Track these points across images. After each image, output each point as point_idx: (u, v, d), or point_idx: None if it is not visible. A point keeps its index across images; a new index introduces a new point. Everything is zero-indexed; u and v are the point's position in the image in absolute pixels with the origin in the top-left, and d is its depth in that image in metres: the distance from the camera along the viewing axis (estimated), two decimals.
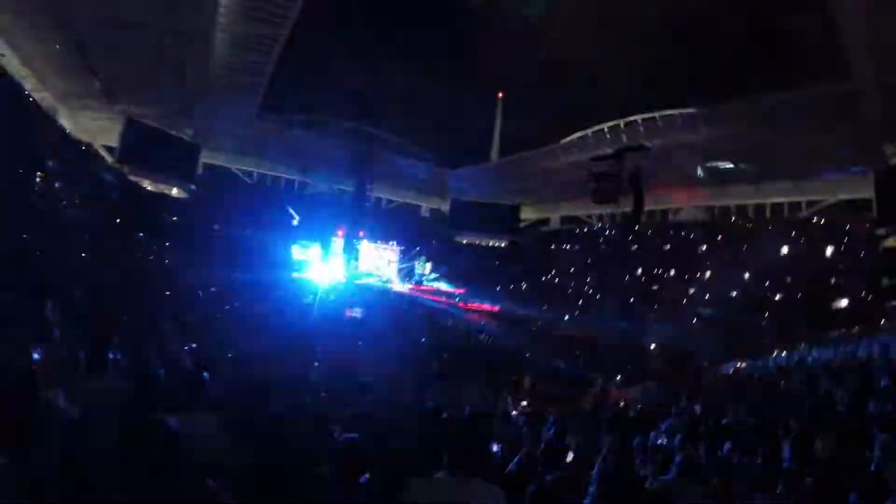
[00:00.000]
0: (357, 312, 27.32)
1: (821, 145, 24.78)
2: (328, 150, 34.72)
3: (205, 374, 4.47)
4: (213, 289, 22.03)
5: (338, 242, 32.40)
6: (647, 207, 27.78)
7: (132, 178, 29.75)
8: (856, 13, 18.59)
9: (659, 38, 31.31)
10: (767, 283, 28.92)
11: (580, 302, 33.18)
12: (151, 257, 22.96)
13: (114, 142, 29.42)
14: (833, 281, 27.14)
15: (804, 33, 24.92)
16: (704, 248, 32.85)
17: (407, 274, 37.97)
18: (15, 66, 23.16)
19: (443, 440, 3.42)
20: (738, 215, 32.77)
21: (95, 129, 29.55)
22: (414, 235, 38.55)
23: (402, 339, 22.94)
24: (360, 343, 18.54)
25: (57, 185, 21.24)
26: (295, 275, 30.44)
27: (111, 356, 5.07)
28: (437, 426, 5.22)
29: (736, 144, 27.01)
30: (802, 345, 19.17)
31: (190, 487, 2.80)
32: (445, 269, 37.29)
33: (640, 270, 32.95)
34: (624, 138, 29.17)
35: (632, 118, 30.10)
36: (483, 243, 40.86)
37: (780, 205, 31.45)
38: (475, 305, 34.64)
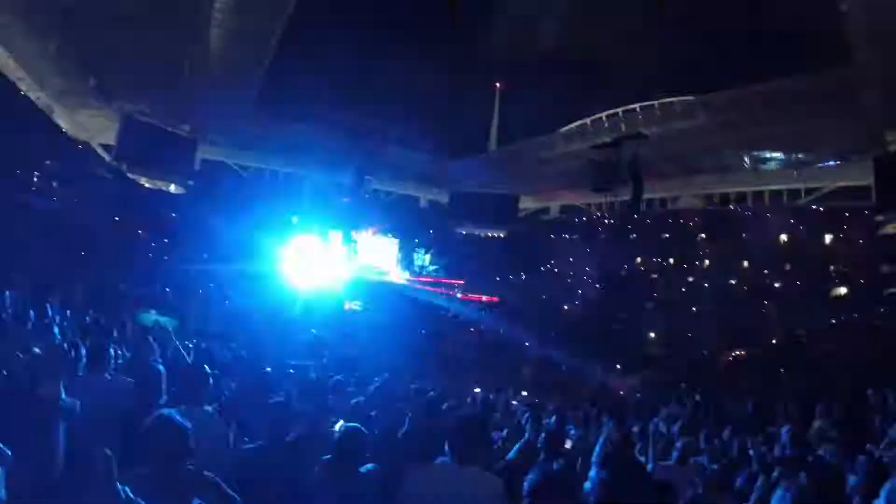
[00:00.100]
0: (356, 305, 27.35)
1: (820, 132, 24.73)
2: (325, 143, 34.61)
3: (206, 368, 4.49)
4: (211, 284, 22.07)
5: (337, 235, 32.39)
6: (645, 196, 27.78)
7: (130, 175, 29.72)
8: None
9: (658, 24, 31.15)
10: (766, 270, 29.02)
11: (580, 291, 33.25)
12: (150, 254, 22.99)
13: (111, 140, 29.33)
14: (832, 268, 27.23)
15: (804, 18, 24.78)
16: (703, 236, 32.93)
17: (406, 265, 38.00)
18: (10, 67, 23.07)
19: (443, 430, 3.44)
20: (737, 203, 32.74)
21: (92, 127, 29.43)
22: (413, 227, 38.55)
23: (401, 330, 23.00)
24: (359, 335, 18.59)
25: (55, 184, 21.26)
26: (294, 269, 30.42)
27: (112, 352, 5.09)
28: (437, 416, 5.25)
29: (735, 131, 26.93)
30: (801, 332, 19.28)
31: (192, 478, 2.83)
32: (445, 260, 37.34)
33: (639, 259, 33.01)
34: (623, 127, 29.03)
35: (630, 106, 29.98)
36: (482, 234, 40.86)
37: (780, 192, 31.39)
38: (475, 296, 34.66)
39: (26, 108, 20.07)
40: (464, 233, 40.75)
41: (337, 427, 3.70)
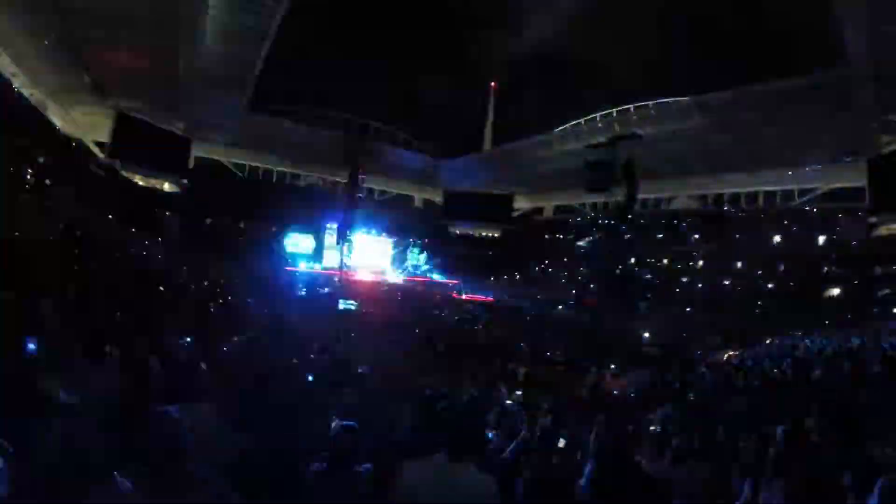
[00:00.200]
0: (351, 304, 27.35)
1: (815, 133, 24.85)
2: (320, 142, 34.63)
3: (202, 365, 4.49)
4: (205, 282, 21.99)
5: (331, 234, 32.38)
6: (640, 196, 27.90)
7: (124, 173, 29.65)
8: (853, 1, 18.56)
9: (653, 25, 31.31)
10: (760, 271, 29.14)
11: (574, 291, 33.30)
12: (144, 252, 22.90)
13: (105, 137, 29.26)
14: (825, 269, 27.35)
15: (800, 20, 24.94)
16: (697, 236, 33.07)
17: (400, 265, 38.02)
18: (4, 64, 22.98)
19: (439, 428, 3.45)
20: (731, 203, 32.89)
21: (86, 124, 29.37)
22: (407, 226, 38.57)
23: (396, 329, 22.99)
24: (354, 334, 18.57)
25: (48, 181, 21.18)
26: (288, 267, 30.45)
27: (108, 349, 5.08)
28: (433, 414, 5.26)
29: (729, 132, 27.02)
30: (797, 332, 19.35)
31: (189, 475, 2.83)
32: (439, 259, 37.38)
33: (633, 259, 33.09)
34: (617, 127, 29.19)
35: (625, 107, 30.11)
36: (477, 233, 40.92)
37: (773, 193, 31.55)
38: (469, 296, 34.75)
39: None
40: (458, 232, 40.81)
41: (332, 425, 3.69)
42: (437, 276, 36.25)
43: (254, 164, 37.02)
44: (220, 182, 34.34)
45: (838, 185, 28.41)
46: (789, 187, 30.67)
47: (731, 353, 19.76)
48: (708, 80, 27.46)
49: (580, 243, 35.86)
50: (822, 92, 22.47)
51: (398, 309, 28.83)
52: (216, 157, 35.76)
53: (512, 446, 4.79)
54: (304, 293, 26.94)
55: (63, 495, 2.21)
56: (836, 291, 25.81)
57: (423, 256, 37.78)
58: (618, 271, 31.02)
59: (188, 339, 7.90)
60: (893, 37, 18.23)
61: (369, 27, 33.02)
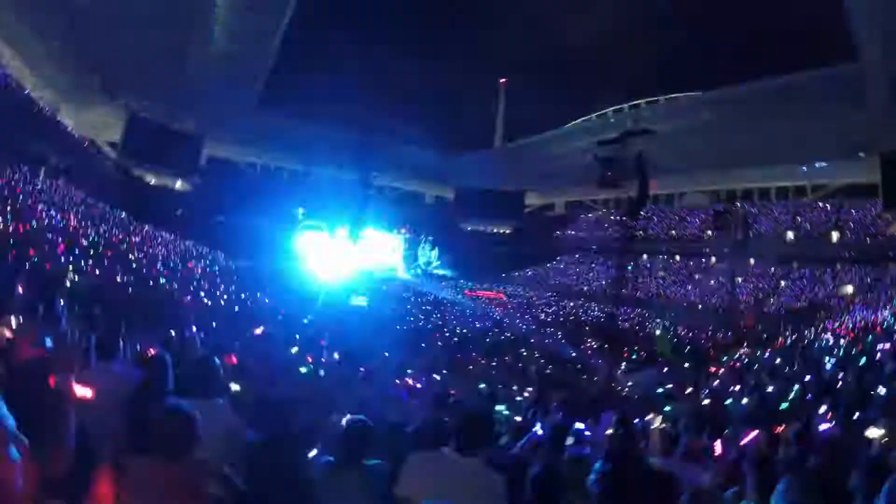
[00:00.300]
0: (362, 300, 27.36)
1: (827, 129, 24.67)
2: (331, 140, 34.73)
3: (216, 360, 4.52)
4: (218, 279, 22.14)
5: (343, 231, 32.45)
6: (652, 192, 27.77)
7: (136, 172, 29.89)
8: None
9: (665, 20, 31.11)
10: (773, 270, 28.95)
11: (585, 288, 33.24)
12: (158, 248, 23.08)
13: (117, 137, 29.51)
14: (838, 267, 27.14)
15: (813, 17, 24.74)
16: (710, 233, 32.89)
17: (412, 261, 38.06)
18: (16, 67, 23.21)
19: (449, 423, 3.47)
20: (743, 199, 32.69)
21: (99, 124, 29.66)
22: (418, 223, 38.64)
23: (407, 326, 23.02)
24: (365, 330, 18.59)
25: (62, 181, 21.38)
26: (300, 263, 30.51)
27: (122, 344, 5.14)
28: (443, 410, 5.27)
29: (741, 127, 26.88)
30: (808, 331, 19.24)
31: (200, 468, 2.87)
32: (450, 256, 37.42)
33: (645, 256, 33.00)
34: (629, 122, 29.04)
35: (636, 102, 30.01)
36: (488, 230, 40.89)
37: (785, 189, 31.35)
38: (481, 292, 34.69)
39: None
40: (469, 228, 40.84)
41: (343, 421, 3.72)
42: (448, 272, 36.28)
43: (265, 161, 37.21)
44: (232, 179, 34.54)
45: (850, 181, 28.22)
46: (801, 183, 30.48)
47: (743, 351, 19.69)
48: (720, 75, 27.34)
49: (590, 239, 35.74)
50: (834, 88, 22.32)
51: (409, 305, 28.86)
52: (228, 156, 35.97)
53: (522, 442, 4.80)
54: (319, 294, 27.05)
55: (76, 486, 2.26)
56: (850, 289, 25.60)
57: (434, 252, 37.82)
58: (629, 267, 30.93)
59: (202, 335, 7.97)
60: None
61: (380, 24, 32.98)
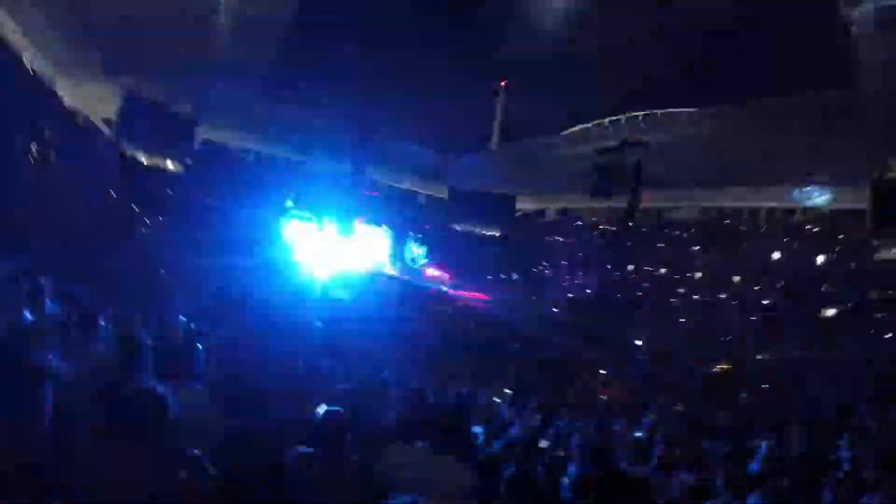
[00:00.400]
0: (347, 294, 27.28)
1: (821, 152, 24.86)
2: (327, 131, 34.63)
3: (198, 346, 4.52)
4: (204, 264, 21.99)
5: (333, 225, 32.33)
6: (643, 204, 27.90)
7: (129, 151, 29.65)
8: (868, 22, 18.62)
9: (668, 34, 31.22)
10: (757, 287, 29.13)
11: (570, 295, 33.31)
12: (144, 231, 22.91)
13: (112, 115, 29.26)
14: (823, 288, 27.34)
15: (815, 39, 24.90)
16: (697, 248, 33.06)
17: (399, 258, 37.98)
18: (14, 37, 22.99)
19: (425, 419, 3.48)
20: (733, 217, 32.86)
21: (95, 101, 29.40)
22: (409, 220, 38.55)
23: (391, 323, 22.99)
24: (347, 325, 18.55)
25: (53, 156, 21.16)
26: (288, 254, 30.36)
27: (102, 324, 5.12)
28: (420, 406, 5.29)
29: (738, 145, 27.05)
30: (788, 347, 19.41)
31: (174, 453, 2.86)
32: (439, 255, 37.34)
33: (632, 267, 33.10)
34: (625, 133, 29.16)
35: (634, 113, 30.11)
36: (478, 232, 40.91)
37: (775, 209, 31.55)
38: (466, 293, 34.67)
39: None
40: (460, 229, 40.81)
41: (320, 412, 3.72)
42: (435, 272, 36.20)
43: (259, 148, 37.07)
44: (225, 163, 34.37)
45: (840, 205, 28.43)
46: (792, 205, 30.69)
47: (722, 366, 19.83)
48: (720, 91, 27.49)
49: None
50: (831, 112, 22.50)
51: (394, 302, 28.82)
52: (222, 141, 35.78)
53: (499, 444, 4.83)
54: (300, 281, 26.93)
55: (52, 462, 2.25)
56: (832, 312, 25.83)
57: (422, 251, 37.70)
58: (615, 277, 31.06)
59: (185, 320, 7.93)
60: None
61: (381, 22, 32.93)
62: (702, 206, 34.68)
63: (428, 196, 44.69)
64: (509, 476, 3.43)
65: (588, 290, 31.98)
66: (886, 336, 20.95)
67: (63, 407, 2.62)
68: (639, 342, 25.18)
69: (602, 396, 14.83)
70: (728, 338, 24.29)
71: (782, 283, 28.49)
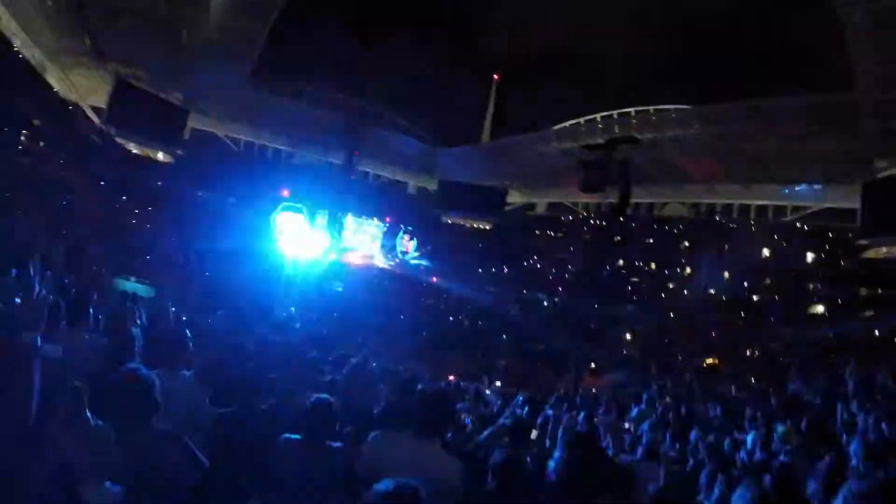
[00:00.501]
0: (338, 286, 27.31)
1: (813, 152, 24.97)
2: (317, 121, 34.46)
3: (187, 333, 4.52)
4: (192, 254, 21.96)
5: (322, 215, 32.21)
6: (633, 200, 27.92)
7: (119, 140, 29.41)
8: (863, 26, 18.63)
9: (662, 33, 31.28)
10: (746, 283, 29.34)
11: (560, 288, 33.43)
12: (133, 220, 22.83)
13: (102, 103, 28.99)
14: (811, 286, 27.58)
15: (809, 41, 25.00)
16: (686, 244, 33.22)
17: (389, 250, 37.91)
18: (3, 22, 22.70)
19: (413, 408, 3.49)
20: (723, 215, 33.00)
21: (84, 88, 29.10)
22: (399, 212, 38.43)
23: (381, 315, 23.02)
24: (337, 315, 18.60)
25: (42, 144, 20.99)
26: (277, 245, 30.28)
27: (91, 312, 5.12)
28: (409, 396, 5.30)
29: (728, 144, 27.11)
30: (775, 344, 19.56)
31: (158, 434, 2.87)
32: (429, 247, 37.27)
33: (621, 261, 33.22)
34: (616, 129, 29.18)
35: (626, 110, 30.11)
36: (468, 224, 40.86)
37: (766, 207, 31.70)
38: (456, 285, 34.72)
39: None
40: (449, 221, 40.73)
41: (308, 400, 3.74)
42: (425, 264, 36.12)
43: (249, 138, 36.83)
44: (213, 154, 34.18)
45: (830, 205, 28.60)
46: (782, 203, 30.84)
47: (710, 360, 19.98)
48: (713, 90, 27.56)
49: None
50: (824, 113, 22.58)
51: (384, 294, 28.84)
52: (212, 130, 35.53)
53: (487, 432, 4.85)
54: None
55: (38, 444, 2.26)
56: (820, 309, 26.08)
57: (412, 243, 37.57)
58: (605, 271, 31.14)
59: (174, 309, 7.93)
60: None
61: (376, 10, 32.80)
62: (692, 203, 34.82)
63: (418, 188, 44.64)
64: (496, 462, 3.45)
65: (577, 284, 32.09)
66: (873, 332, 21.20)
67: (52, 392, 2.63)
68: (628, 335, 25.36)
69: (590, 388, 14.89)
70: (716, 332, 24.47)
71: (771, 279, 28.75)
